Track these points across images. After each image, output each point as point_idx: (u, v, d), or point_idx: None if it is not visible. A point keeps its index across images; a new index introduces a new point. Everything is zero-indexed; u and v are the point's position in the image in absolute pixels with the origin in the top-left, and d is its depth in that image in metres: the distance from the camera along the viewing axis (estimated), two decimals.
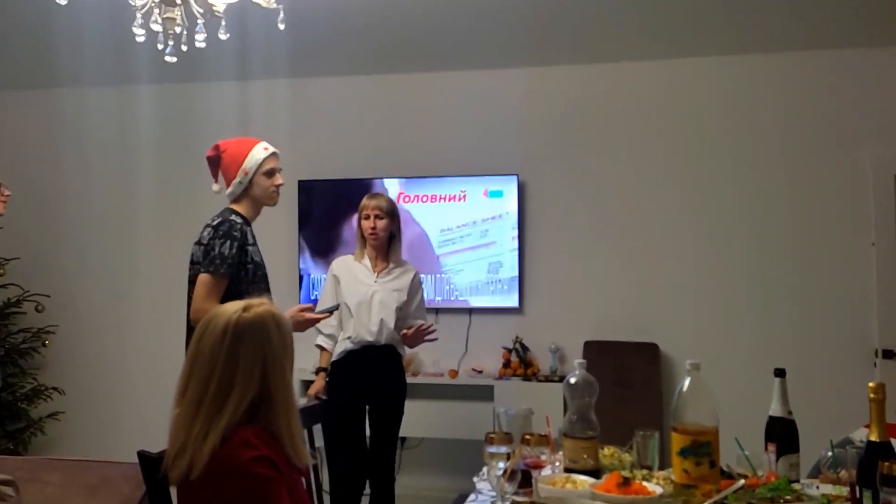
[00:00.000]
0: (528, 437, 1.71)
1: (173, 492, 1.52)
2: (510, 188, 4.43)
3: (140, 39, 2.73)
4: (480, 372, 4.35)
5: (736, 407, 2.96)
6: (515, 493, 1.64)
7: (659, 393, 4.07)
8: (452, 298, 4.49)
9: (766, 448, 1.84)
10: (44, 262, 4.86)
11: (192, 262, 2.70)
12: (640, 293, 4.37)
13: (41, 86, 4.95)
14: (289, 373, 1.55)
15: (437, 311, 4.53)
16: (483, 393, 4.18)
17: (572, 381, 1.96)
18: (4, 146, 4.87)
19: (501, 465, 1.72)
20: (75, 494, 2.29)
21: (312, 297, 4.51)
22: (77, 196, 4.91)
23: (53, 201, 4.93)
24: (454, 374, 4.37)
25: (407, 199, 4.53)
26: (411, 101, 4.67)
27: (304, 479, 1.65)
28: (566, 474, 1.83)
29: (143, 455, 1.51)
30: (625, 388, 4.01)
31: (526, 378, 4.22)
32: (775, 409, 1.86)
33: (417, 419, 4.22)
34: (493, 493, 1.79)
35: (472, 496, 1.82)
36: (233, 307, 1.55)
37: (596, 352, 4.15)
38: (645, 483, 1.70)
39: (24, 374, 4.48)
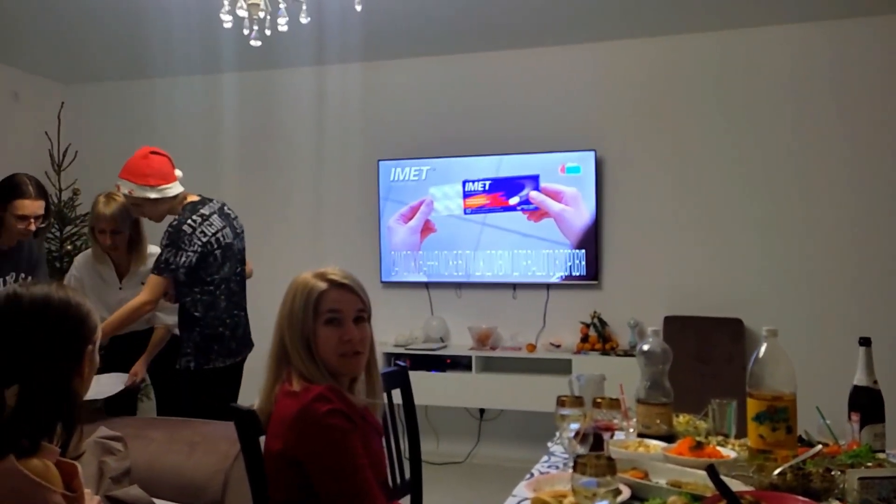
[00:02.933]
0: (599, 400, 1.74)
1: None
2: (588, 164, 4.40)
3: (227, 26, 2.87)
4: (558, 346, 4.36)
5: (819, 377, 2.91)
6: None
7: (743, 370, 3.95)
8: (530, 274, 4.51)
9: (850, 418, 1.80)
10: None
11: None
12: (724, 267, 4.27)
13: (133, 77, 5.25)
14: (290, 339, 1.60)
15: (514, 286, 4.57)
16: (561, 367, 4.19)
17: (646, 347, 1.97)
18: (99, 135, 5.20)
19: (573, 427, 1.75)
20: (177, 450, 2.47)
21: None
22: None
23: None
24: (532, 348, 4.41)
25: (482, 177, 4.57)
26: (485, 80, 4.69)
27: (381, 438, 1.74)
28: (639, 439, 1.84)
29: (234, 408, 1.63)
30: (706, 364, 3.94)
31: (604, 353, 4.21)
32: (860, 379, 1.81)
33: (496, 392, 4.30)
34: (566, 456, 1.83)
35: (544, 458, 1.86)
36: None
37: (677, 327, 4.10)
38: (719, 448, 1.70)
39: None
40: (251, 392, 1.79)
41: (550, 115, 4.56)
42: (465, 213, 4.61)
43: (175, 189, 2.89)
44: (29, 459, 1.14)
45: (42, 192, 2.93)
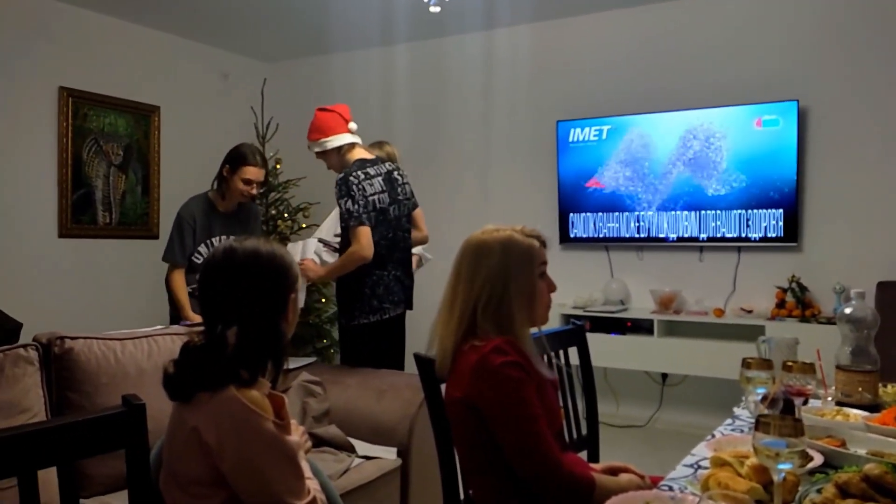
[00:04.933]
0: (790, 363, 1.62)
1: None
2: (789, 116, 4.04)
3: None
4: (750, 312, 4.10)
5: None
6: None
7: None
8: (719, 235, 4.26)
9: None
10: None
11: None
12: None
13: (324, 52, 5.60)
14: (514, 294, 1.62)
15: (701, 248, 4.35)
16: (752, 333, 3.92)
17: (848, 310, 1.81)
18: (297, 108, 5.61)
19: (760, 390, 1.67)
20: (368, 396, 2.68)
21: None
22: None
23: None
24: (720, 313, 4.18)
25: (672, 133, 4.37)
26: (667, 31, 4.44)
27: (556, 390, 1.77)
28: (837, 407, 1.71)
29: (417, 356, 1.74)
30: None
31: (804, 319, 3.90)
32: None
33: (679, 357, 4.15)
34: (751, 420, 1.74)
35: (727, 420, 1.79)
36: (484, 228, 1.70)
37: (893, 293, 3.68)
38: None
39: (328, 301, 5.21)
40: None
41: (743, 63, 4.23)
42: (611, 189, 4.44)
43: (335, 141, 3.07)
44: (246, 390, 1.31)
45: (265, 162, 3.41)
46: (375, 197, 3.00)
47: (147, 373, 2.14)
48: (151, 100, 5.07)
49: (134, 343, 2.21)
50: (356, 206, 2.91)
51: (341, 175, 2.99)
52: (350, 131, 3.11)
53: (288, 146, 5.38)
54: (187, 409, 1.32)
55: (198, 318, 3.26)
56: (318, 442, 2.46)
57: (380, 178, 3.05)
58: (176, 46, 5.24)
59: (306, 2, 4.49)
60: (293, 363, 3.00)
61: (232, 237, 1.47)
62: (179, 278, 3.34)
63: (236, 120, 5.41)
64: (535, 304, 1.66)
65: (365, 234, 2.91)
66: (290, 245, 3.42)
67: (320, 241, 3.26)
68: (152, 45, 5.09)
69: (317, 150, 3.12)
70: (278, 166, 5.24)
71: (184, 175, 5.18)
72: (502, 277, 1.62)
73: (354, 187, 2.93)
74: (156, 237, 5.07)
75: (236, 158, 3.29)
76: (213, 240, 3.37)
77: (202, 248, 3.37)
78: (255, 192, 3.35)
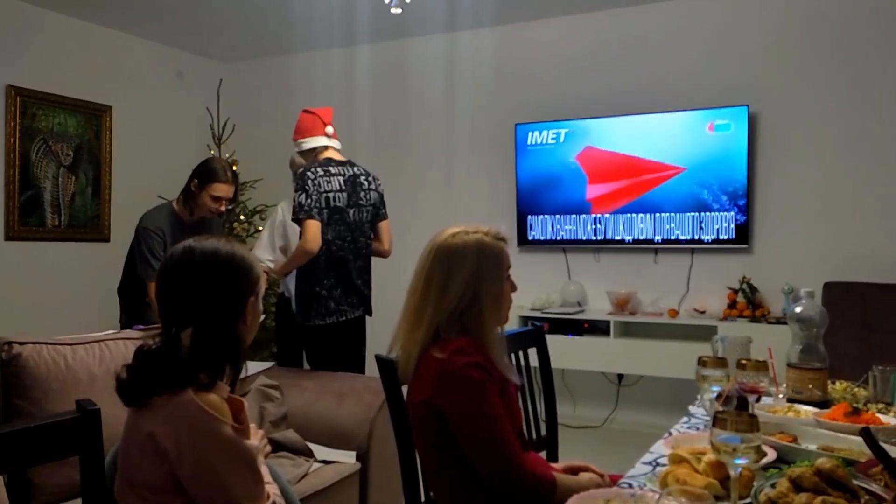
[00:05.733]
0: (744, 361, 1.67)
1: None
2: (739, 121, 4.14)
3: None
4: (702, 312, 4.20)
5: None
6: None
7: None
8: (673, 238, 4.35)
9: None
10: None
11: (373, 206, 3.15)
12: (895, 231, 3.90)
13: (281, 52, 5.54)
14: (486, 297, 1.62)
15: (656, 250, 4.44)
16: (704, 333, 4.02)
17: (798, 309, 1.86)
18: (254, 109, 5.55)
19: (715, 388, 1.70)
20: (327, 400, 2.65)
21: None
22: None
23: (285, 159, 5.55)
24: (674, 313, 4.27)
25: (628, 136, 4.44)
26: (624, 37, 4.52)
27: (517, 390, 1.78)
28: (788, 404, 1.76)
29: (379, 358, 1.73)
30: (872, 333, 3.64)
31: (754, 319, 4.00)
32: None
33: (635, 357, 4.22)
34: (706, 418, 1.78)
35: (684, 419, 1.82)
36: (448, 231, 1.69)
37: (839, 293, 3.81)
38: (879, 415, 1.59)
39: None
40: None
41: (696, 69, 4.34)
42: (567, 192, 4.54)
43: (310, 143, 3.12)
44: (205, 393, 1.28)
45: (235, 178, 3.32)
46: (331, 195, 2.99)
47: (99, 378, 2.08)
48: (103, 99, 4.94)
49: (85, 348, 2.15)
50: (308, 200, 2.93)
51: (301, 169, 3.03)
52: (326, 135, 3.14)
53: (244, 147, 5.31)
54: (143, 415, 1.29)
55: None
56: (276, 447, 2.42)
57: (340, 178, 3.04)
58: (129, 45, 5.12)
59: (265, 2, 4.43)
60: (251, 368, 2.96)
61: (190, 239, 1.43)
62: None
63: (191, 120, 5.32)
64: (503, 306, 1.67)
65: (311, 228, 2.92)
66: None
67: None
68: (104, 43, 4.96)
69: (296, 149, 3.20)
70: (234, 167, 5.17)
71: (137, 176, 5.07)
72: (475, 283, 1.62)
73: (310, 182, 2.95)
74: (107, 240, 4.94)
75: (206, 174, 3.17)
76: None
77: None
78: (223, 208, 3.25)
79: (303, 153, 3.18)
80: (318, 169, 3.00)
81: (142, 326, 2.97)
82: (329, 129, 3.15)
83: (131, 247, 3.30)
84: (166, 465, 1.26)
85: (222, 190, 3.17)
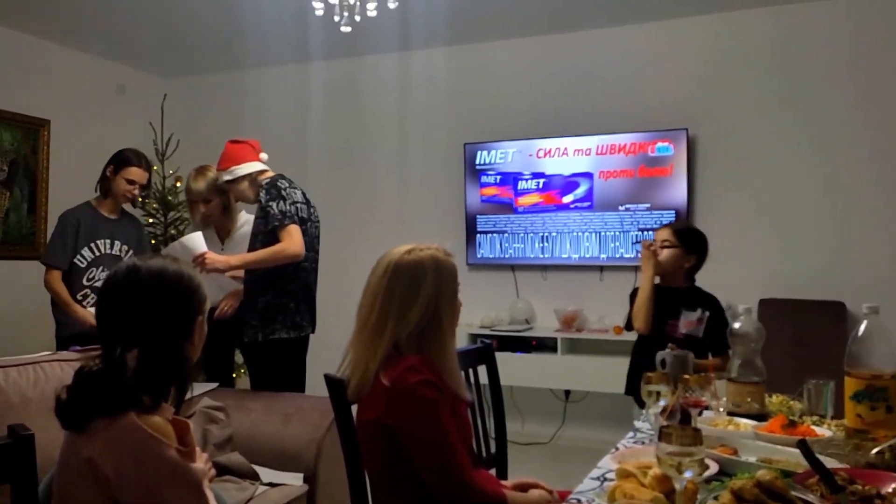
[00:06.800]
0: (687, 377, 1.71)
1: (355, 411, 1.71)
2: (679, 143, 4.28)
3: (319, 13, 2.97)
4: None
5: None
6: None
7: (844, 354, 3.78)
8: (617, 256, 4.44)
9: None
10: None
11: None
12: (826, 249, 4.07)
13: (229, 68, 5.48)
14: (444, 313, 1.64)
15: (601, 268, 4.52)
16: None
17: (737, 325, 1.93)
18: (199, 125, 5.46)
19: (660, 403, 1.74)
20: (273, 421, 2.61)
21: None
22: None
23: None
24: (619, 330, 4.34)
25: (577, 153, 4.53)
26: (575, 60, 4.64)
27: (468, 409, 1.78)
28: (728, 417, 1.81)
29: (328, 377, 1.71)
30: (804, 348, 3.78)
31: None
32: None
33: (582, 374, 4.28)
34: (652, 432, 1.82)
35: (630, 433, 1.86)
36: (400, 249, 1.69)
37: (773, 309, 3.95)
38: (814, 427, 1.65)
39: None
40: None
41: (639, 93, 4.47)
42: (517, 211, 4.62)
43: (246, 168, 3.06)
44: (148, 416, 1.25)
45: (148, 166, 3.46)
46: (299, 205, 2.97)
47: (33, 402, 2.00)
48: (40, 113, 4.79)
49: (18, 370, 2.06)
50: (289, 207, 2.88)
51: (268, 181, 2.98)
52: (261, 160, 3.12)
53: (189, 164, 5.15)
54: (82, 439, 1.24)
55: (86, 313, 3.25)
56: (221, 470, 2.36)
57: (300, 192, 3.03)
58: (68, 58, 4.99)
59: (214, 17, 4.38)
60: (195, 389, 2.88)
61: (134, 256, 1.40)
62: (58, 279, 3.28)
63: (134, 136, 5.17)
64: (456, 322, 1.69)
65: (297, 233, 2.87)
66: (170, 247, 3.36)
67: None
68: (42, 55, 4.82)
69: (226, 177, 3.09)
70: (178, 184, 5.06)
71: (75, 192, 4.86)
72: (436, 299, 1.63)
73: (283, 191, 2.92)
74: None
75: (120, 160, 3.37)
76: (99, 242, 3.37)
77: (86, 252, 3.35)
78: (137, 192, 3.43)
79: (237, 180, 3.07)
80: (284, 181, 2.98)
81: (79, 348, 2.87)
82: (264, 156, 3.13)
83: None
84: (107, 492, 1.22)
85: (136, 174, 3.37)
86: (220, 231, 3.36)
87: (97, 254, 3.39)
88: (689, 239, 2.83)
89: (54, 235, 3.34)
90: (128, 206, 3.58)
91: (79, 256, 3.33)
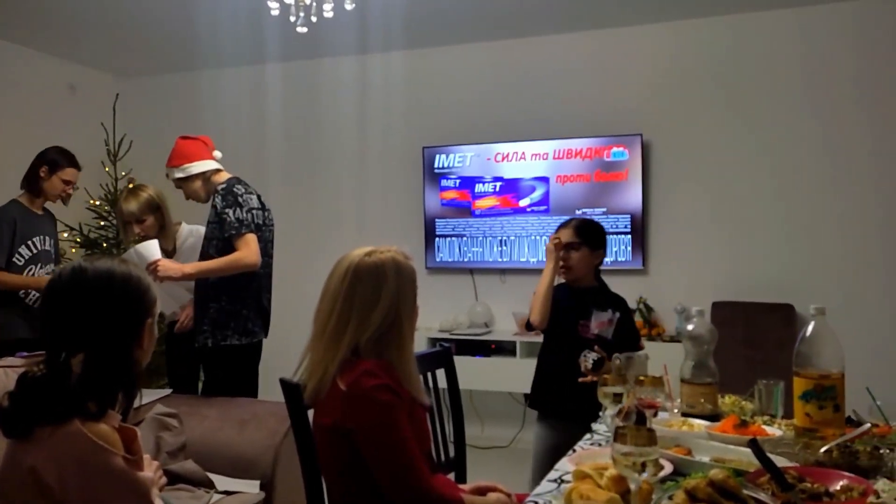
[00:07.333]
0: (642, 378, 1.74)
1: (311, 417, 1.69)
2: (634, 148, 4.35)
3: (274, 13, 2.93)
4: None
5: (871, 360, 2.86)
6: None
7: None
8: None
9: None
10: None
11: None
12: (775, 252, 4.18)
13: (184, 69, 5.37)
14: (405, 316, 1.64)
15: None
16: None
17: (690, 327, 1.96)
18: (152, 126, 5.35)
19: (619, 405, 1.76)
20: (229, 427, 2.56)
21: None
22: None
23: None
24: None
25: (535, 157, 4.57)
26: (529, 65, 4.67)
27: (426, 414, 1.77)
28: (683, 418, 1.84)
29: (284, 381, 1.68)
30: (756, 350, 3.87)
31: (650, 338, 4.17)
32: None
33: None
34: (609, 434, 1.83)
35: (587, 436, 1.87)
36: (359, 251, 1.67)
37: (725, 312, 4.04)
38: (765, 427, 1.68)
39: None
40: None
41: (595, 98, 4.52)
42: (474, 214, 4.65)
43: (199, 167, 3.00)
44: (94, 423, 1.21)
45: (79, 165, 3.59)
46: (255, 212, 2.92)
47: None
48: None
49: None
50: (245, 215, 2.83)
51: (223, 185, 2.90)
52: (215, 158, 3.05)
53: (142, 165, 5.09)
54: (23, 447, 1.20)
55: (44, 277, 3.31)
56: (174, 478, 2.31)
57: (255, 197, 2.98)
58: (15, 55, 4.82)
59: (167, 17, 4.28)
60: (146, 396, 2.81)
61: (80, 258, 1.35)
62: (3, 275, 3.29)
63: (84, 136, 5.04)
64: (414, 325, 1.68)
65: (254, 242, 2.84)
66: (126, 254, 3.24)
67: None
68: None
69: (178, 175, 3.01)
70: (130, 185, 4.95)
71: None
72: (397, 301, 1.62)
73: (240, 197, 2.86)
74: None
75: (55, 160, 3.45)
76: (35, 240, 3.41)
77: (23, 250, 3.37)
78: (70, 192, 3.55)
79: (189, 178, 3.00)
80: (240, 186, 2.92)
81: (25, 354, 2.77)
82: (217, 154, 3.07)
83: None
84: (49, 503, 1.17)
85: (72, 174, 3.50)
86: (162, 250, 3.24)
87: (34, 251, 3.42)
88: (592, 235, 2.66)
89: None
90: (56, 205, 3.62)
91: (17, 255, 3.33)
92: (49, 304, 1.30)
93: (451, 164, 4.74)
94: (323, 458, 1.63)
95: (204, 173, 3.01)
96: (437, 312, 4.62)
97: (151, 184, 3.35)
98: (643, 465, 1.16)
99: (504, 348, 4.45)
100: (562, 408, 2.57)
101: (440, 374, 2.24)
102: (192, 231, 3.30)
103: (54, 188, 3.44)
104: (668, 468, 1.40)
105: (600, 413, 1.98)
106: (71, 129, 5.07)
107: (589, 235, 2.65)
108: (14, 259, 3.33)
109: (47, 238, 3.49)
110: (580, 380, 2.32)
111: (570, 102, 4.57)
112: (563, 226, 2.71)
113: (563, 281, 2.70)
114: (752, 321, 3.98)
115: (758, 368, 3.69)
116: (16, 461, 1.20)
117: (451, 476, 2.11)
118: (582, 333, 2.56)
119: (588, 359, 2.30)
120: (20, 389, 1.23)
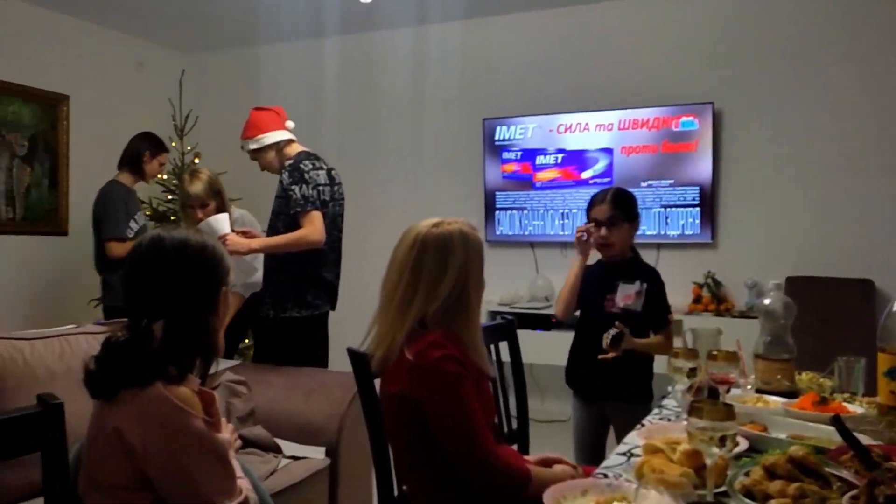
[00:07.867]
0: (715, 353, 1.68)
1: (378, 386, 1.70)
2: (705, 118, 4.20)
3: None
4: None
5: None
6: None
7: (873, 333, 3.72)
8: (639, 233, 4.37)
9: None
10: None
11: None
12: (855, 226, 3.99)
13: (247, 45, 5.44)
14: (472, 287, 1.63)
15: None
16: None
17: (767, 301, 1.89)
18: (217, 101, 5.45)
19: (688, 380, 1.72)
20: (295, 396, 2.62)
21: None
22: None
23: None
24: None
25: (599, 128, 4.47)
26: (593, 33, 4.55)
27: (489, 382, 1.77)
28: (757, 395, 1.78)
29: (352, 351, 1.70)
30: (832, 327, 3.72)
31: (718, 314, 4.06)
32: None
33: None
34: (678, 409, 1.79)
35: (655, 410, 1.84)
36: (427, 222, 1.67)
37: (800, 287, 3.88)
38: (846, 404, 1.62)
39: None
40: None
41: (663, 66, 4.38)
42: (535, 187, 4.58)
43: (273, 137, 3.02)
44: (175, 386, 1.24)
45: None
46: (321, 188, 2.94)
47: (59, 375, 2.01)
48: (60, 88, 4.80)
49: (44, 343, 2.08)
50: (311, 192, 2.86)
51: (290, 161, 2.93)
52: (287, 129, 3.08)
53: (207, 140, 5.21)
54: (109, 409, 1.24)
55: None
56: (245, 443, 2.38)
57: (324, 172, 3.00)
58: (87, 33, 4.98)
59: None
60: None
61: (158, 228, 1.39)
62: (124, 247, 3.52)
63: (152, 111, 5.19)
64: (481, 296, 1.67)
65: (319, 219, 2.86)
66: (199, 225, 3.30)
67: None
68: (61, 30, 4.81)
69: (253, 146, 3.05)
70: (197, 160, 5.07)
71: (95, 168, 4.91)
72: (465, 272, 1.61)
73: (307, 174, 2.88)
74: (65, 233, 4.80)
75: (157, 144, 3.84)
76: (137, 216, 3.77)
77: (132, 223, 3.72)
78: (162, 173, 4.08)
79: (263, 149, 3.03)
80: (308, 162, 2.93)
81: (103, 321, 2.89)
82: (290, 124, 3.10)
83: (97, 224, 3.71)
84: (133, 462, 1.22)
85: (166, 158, 3.96)
86: None
87: (139, 225, 3.78)
88: (630, 206, 2.52)
89: (109, 211, 3.65)
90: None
91: (128, 229, 3.70)
92: (130, 272, 1.35)
93: (512, 136, 4.68)
94: (390, 426, 1.65)
95: (277, 143, 3.04)
96: (497, 286, 4.59)
97: (215, 158, 3.45)
98: (721, 440, 1.12)
99: (564, 322, 4.40)
100: (591, 386, 2.52)
101: (503, 346, 2.23)
102: (240, 216, 3.32)
103: (153, 170, 3.87)
104: (743, 444, 1.37)
105: (669, 388, 1.94)
106: (140, 106, 5.24)
107: (627, 208, 2.52)
108: (126, 233, 3.69)
109: (141, 214, 3.85)
110: (600, 357, 2.28)
111: (636, 71, 4.44)
112: (596, 202, 2.52)
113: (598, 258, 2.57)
114: (829, 297, 3.83)
115: (834, 345, 3.56)
116: (102, 423, 1.25)
117: (515, 448, 2.11)
118: (607, 308, 2.47)
119: (609, 335, 2.26)
120: (105, 354, 1.27)
